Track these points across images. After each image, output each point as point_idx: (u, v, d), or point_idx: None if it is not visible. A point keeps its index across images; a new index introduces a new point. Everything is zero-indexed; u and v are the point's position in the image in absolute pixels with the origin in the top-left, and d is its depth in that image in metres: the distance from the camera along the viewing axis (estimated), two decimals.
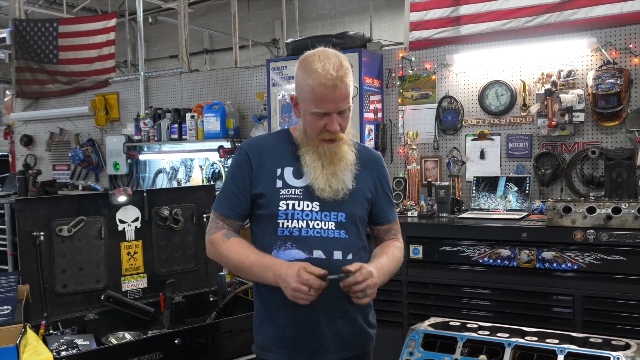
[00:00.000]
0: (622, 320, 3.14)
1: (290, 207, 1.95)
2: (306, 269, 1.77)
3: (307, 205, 1.96)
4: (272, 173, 2.00)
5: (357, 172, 2.03)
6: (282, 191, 1.97)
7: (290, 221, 1.95)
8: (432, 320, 2.04)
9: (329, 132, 1.93)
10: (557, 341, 1.77)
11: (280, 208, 1.96)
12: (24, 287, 2.59)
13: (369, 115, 4.53)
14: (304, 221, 1.95)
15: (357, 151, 2.05)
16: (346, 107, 1.93)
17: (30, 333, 2.26)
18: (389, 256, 2.04)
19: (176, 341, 2.44)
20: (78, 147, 6.73)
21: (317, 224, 1.95)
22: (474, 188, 4.21)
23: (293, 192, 1.97)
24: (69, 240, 2.85)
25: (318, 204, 1.96)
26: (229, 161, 5.50)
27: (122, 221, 3.03)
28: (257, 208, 2.01)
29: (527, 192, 4.01)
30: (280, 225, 1.95)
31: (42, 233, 2.76)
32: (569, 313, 3.27)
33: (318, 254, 1.92)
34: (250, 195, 2.00)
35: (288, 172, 2.00)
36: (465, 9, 4.38)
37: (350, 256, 1.96)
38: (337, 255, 1.94)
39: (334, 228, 1.96)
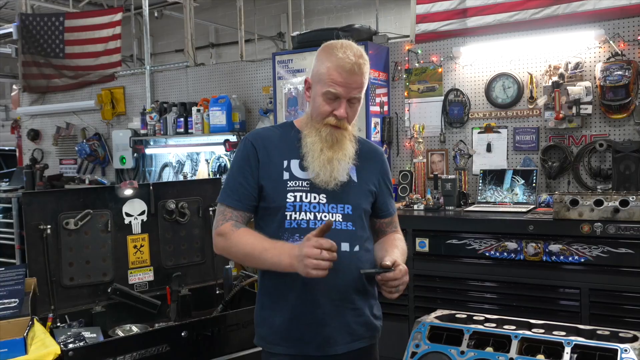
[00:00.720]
0: (629, 313, 3.12)
1: (297, 199, 1.95)
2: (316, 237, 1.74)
3: (315, 198, 1.95)
4: (279, 165, 1.99)
5: (359, 165, 2.03)
6: (290, 183, 1.96)
7: (297, 213, 1.94)
8: (439, 312, 2.03)
9: (335, 117, 1.93)
10: (564, 333, 1.76)
11: (287, 200, 1.95)
12: (31, 280, 2.60)
13: (375, 109, 4.52)
14: (312, 213, 1.94)
15: (358, 147, 2.03)
16: (357, 96, 1.94)
17: (38, 326, 2.27)
18: (400, 249, 2.05)
19: (182, 334, 2.45)
20: (85, 141, 6.75)
21: (325, 216, 1.94)
22: (481, 181, 4.19)
23: (300, 184, 1.96)
24: (76, 233, 2.86)
25: (325, 196, 1.96)
26: None
27: (128, 214, 3.04)
28: (263, 200, 2.00)
29: (534, 185, 3.99)
30: (288, 217, 1.94)
31: (49, 226, 2.76)
32: (576, 306, 3.26)
33: None
34: (257, 187, 1.99)
35: (294, 164, 1.99)
36: (471, 1, 4.35)
37: (357, 248, 1.96)
38: (345, 247, 1.93)
39: (341, 220, 1.95)
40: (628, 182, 3.61)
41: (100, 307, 2.84)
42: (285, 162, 1.99)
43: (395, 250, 2.03)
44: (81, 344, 2.38)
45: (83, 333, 2.53)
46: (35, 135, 7.38)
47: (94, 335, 2.59)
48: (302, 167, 1.98)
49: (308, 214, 1.94)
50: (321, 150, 1.94)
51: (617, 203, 3.16)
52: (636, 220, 3.11)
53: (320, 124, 1.96)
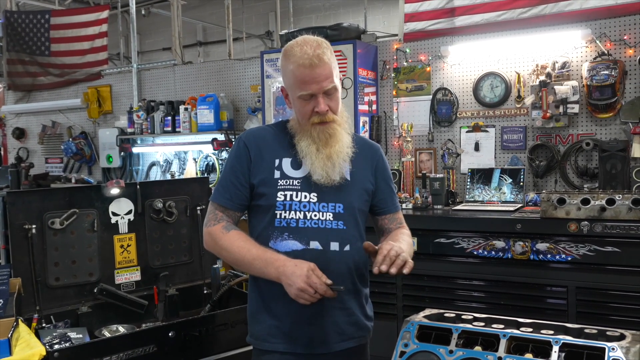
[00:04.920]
0: (616, 311, 3.15)
1: (287, 198, 1.94)
2: (315, 272, 1.76)
3: (305, 196, 1.95)
4: (270, 164, 1.99)
5: (354, 159, 2.01)
6: (280, 182, 1.96)
7: (287, 212, 1.94)
8: (427, 311, 2.02)
9: (318, 114, 1.92)
10: (552, 332, 1.76)
11: (277, 199, 1.95)
12: (16, 280, 2.57)
13: (363, 108, 4.51)
14: (302, 212, 1.94)
15: (353, 141, 2.03)
16: (331, 86, 1.92)
17: (23, 327, 2.25)
18: (403, 239, 1.98)
19: (170, 334, 2.43)
20: (71, 140, 6.69)
21: (315, 215, 1.94)
22: (469, 180, 4.20)
23: (291, 183, 1.96)
24: (62, 233, 2.83)
25: (316, 194, 1.95)
26: (223, 154, 5.48)
27: (115, 214, 3.01)
28: (255, 199, 2.00)
29: (521, 184, 4.01)
30: (278, 216, 1.94)
31: (34, 226, 2.73)
32: (563, 304, 3.28)
33: (315, 245, 1.91)
34: (249, 186, 1.99)
35: (286, 162, 1.99)
36: (459, 1, 4.36)
37: (347, 247, 1.95)
38: (334, 246, 1.93)
39: (331, 219, 1.95)
40: (614, 180, 3.63)
41: (87, 307, 2.82)
42: (277, 161, 1.99)
43: (396, 239, 1.96)
44: (67, 344, 2.36)
45: (69, 334, 2.51)
46: (20, 133, 7.31)
47: (80, 336, 2.57)
48: (294, 166, 1.98)
49: (298, 213, 1.93)
50: (317, 150, 1.94)
51: (603, 202, 3.18)
52: (622, 219, 3.13)
53: (308, 125, 1.95)
